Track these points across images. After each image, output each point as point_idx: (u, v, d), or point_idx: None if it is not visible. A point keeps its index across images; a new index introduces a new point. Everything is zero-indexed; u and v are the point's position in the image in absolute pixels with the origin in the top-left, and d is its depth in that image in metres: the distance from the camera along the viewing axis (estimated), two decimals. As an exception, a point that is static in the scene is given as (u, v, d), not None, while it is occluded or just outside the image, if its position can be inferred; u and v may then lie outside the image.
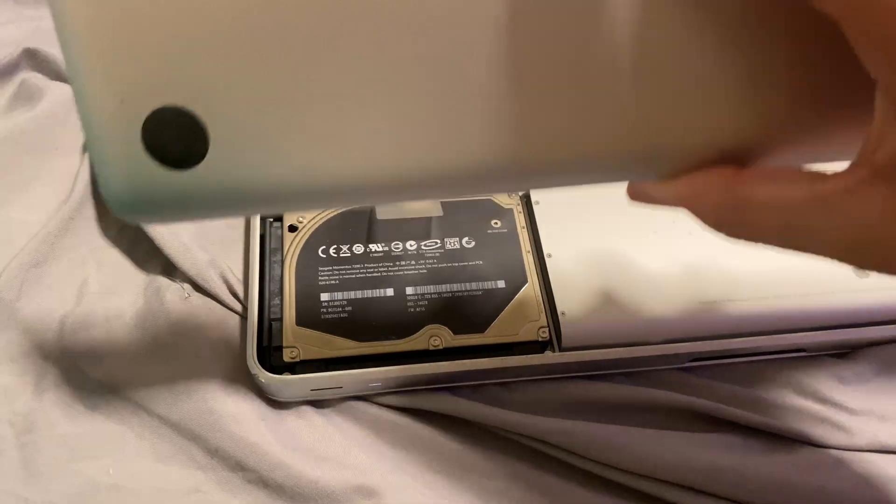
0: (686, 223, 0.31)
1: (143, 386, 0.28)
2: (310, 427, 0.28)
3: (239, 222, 0.34)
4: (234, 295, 0.31)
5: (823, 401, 0.29)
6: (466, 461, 0.27)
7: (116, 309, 0.31)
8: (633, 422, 0.28)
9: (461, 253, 0.30)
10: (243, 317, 0.30)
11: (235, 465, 0.27)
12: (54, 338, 0.30)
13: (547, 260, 0.30)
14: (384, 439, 0.28)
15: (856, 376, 0.30)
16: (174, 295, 0.30)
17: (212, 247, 0.32)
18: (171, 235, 0.31)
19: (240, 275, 0.31)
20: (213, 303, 0.31)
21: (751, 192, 0.16)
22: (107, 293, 0.31)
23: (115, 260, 0.32)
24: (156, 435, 0.28)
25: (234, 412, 0.27)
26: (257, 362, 0.27)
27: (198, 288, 0.31)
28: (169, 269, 0.31)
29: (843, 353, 0.31)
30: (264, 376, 0.27)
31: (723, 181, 0.16)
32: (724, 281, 0.29)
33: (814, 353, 0.31)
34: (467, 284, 0.29)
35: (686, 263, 0.30)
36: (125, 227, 0.33)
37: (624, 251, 0.30)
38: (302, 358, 0.27)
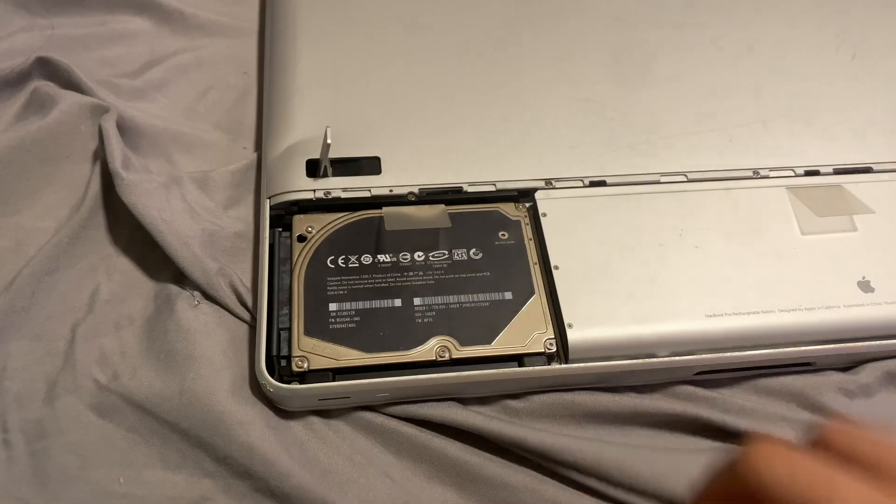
0: (693, 236, 0.31)
1: (153, 393, 0.28)
2: (317, 436, 0.28)
3: (248, 232, 0.34)
4: (243, 304, 0.31)
5: (829, 414, 0.29)
6: (473, 471, 0.28)
7: (127, 316, 0.31)
8: (639, 434, 0.28)
9: (469, 264, 0.30)
10: (252, 326, 0.31)
11: (243, 473, 0.27)
12: (66, 345, 0.30)
13: (554, 272, 0.30)
14: (391, 449, 0.28)
15: (861, 390, 0.30)
16: (184, 303, 0.31)
17: (221, 256, 0.32)
18: (181, 245, 0.31)
19: (249, 284, 0.32)
20: (223, 311, 0.31)
21: None
22: (118, 301, 0.32)
23: (126, 268, 0.33)
24: (164, 442, 0.28)
25: (242, 420, 0.27)
26: (265, 371, 0.27)
27: (207, 296, 0.31)
28: (179, 277, 0.32)
29: (849, 367, 0.31)
30: (272, 385, 0.27)
31: None
32: (731, 294, 0.29)
33: (819, 367, 0.31)
34: (475, 295, 0.30)
35: (693, 276, 0.30)
36: (136, 235, 0.33)
37: (631, 264, 0.30)
38: (310, 367, 0.27)
